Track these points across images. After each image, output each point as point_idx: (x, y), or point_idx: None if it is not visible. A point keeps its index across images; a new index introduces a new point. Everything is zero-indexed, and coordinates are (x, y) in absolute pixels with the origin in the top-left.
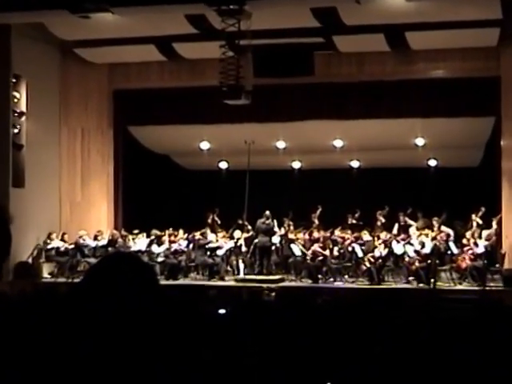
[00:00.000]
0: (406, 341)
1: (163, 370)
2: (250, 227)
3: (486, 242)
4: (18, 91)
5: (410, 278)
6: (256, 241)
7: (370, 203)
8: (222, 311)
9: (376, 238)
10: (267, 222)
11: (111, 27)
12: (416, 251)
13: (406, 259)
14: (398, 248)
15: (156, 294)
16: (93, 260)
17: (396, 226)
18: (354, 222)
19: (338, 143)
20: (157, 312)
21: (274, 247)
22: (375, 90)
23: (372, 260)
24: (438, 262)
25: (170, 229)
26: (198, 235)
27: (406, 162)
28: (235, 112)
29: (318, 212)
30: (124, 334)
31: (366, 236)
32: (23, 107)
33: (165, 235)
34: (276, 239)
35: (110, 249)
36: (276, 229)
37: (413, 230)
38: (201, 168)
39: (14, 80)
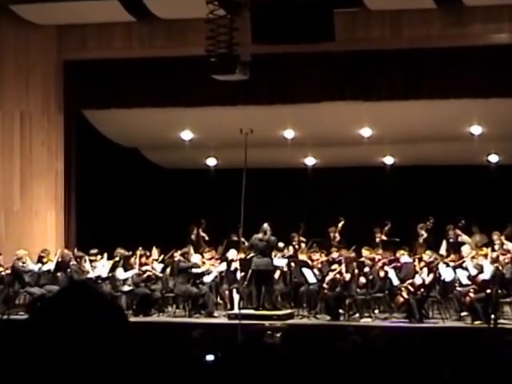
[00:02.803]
0: None
1: None
2: (247, 245)
3: None
4: None
5: (463, 314)
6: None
7: (409, 213)
8: (209, 358)
9: (417, 260)
10: (265, 237)
11: None
12: (471, 277)
13: (458, 288)
14: (446, 273)
15: (125, 343)
16: (36, 290)
17: (444, 243)
18: (387, 237)
19: (366, 132)
20: (126, 366)
21: (279, 272)
22: (416, 60)
23: (411, 289)
24: (500, 291)
25: (141, 248)
26: (177, 256)
27: (457, 157)
28: (228, 91)
29: (340, 225)
30: None
31: (403, 257)
32: None
33: (133, 256)
34: (282, 261)
35: (59, 274)
36: (280, 246)
37: (467, 249)
38: (181, 166)
39: None
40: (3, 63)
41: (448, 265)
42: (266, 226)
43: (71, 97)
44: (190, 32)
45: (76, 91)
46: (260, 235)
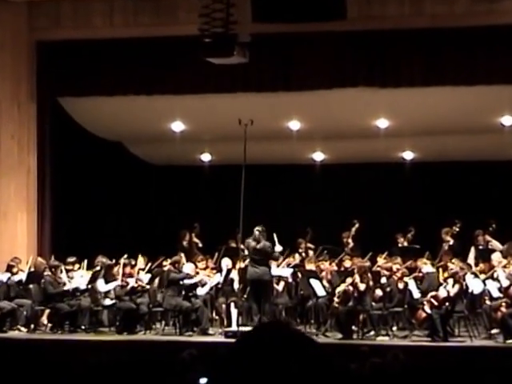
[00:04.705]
0: None
1: None
2: (247, 252)
3: None
4: None
5: (494, 331)
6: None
7: (432, 215)
8: (203, 382)
9: (441, 270)
10: (259, 246)
11: None
12: (503, 289)
13: (488, 302)
14: (474, 285)
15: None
16: (5, 304)
17: (472, 250)
18: (407, 244)
19: (383, 123)
20: None
21: (283, 283)
22: (439, 42)
23: (435, 303)
24: None
25: (125, 255)
26: (167, 265)
27: (486, 152)
28: (224, 76)
29: (353, 229)
30: None
31: (425, 266)
32: None
33: (117, 265)
34: (287, 271)
35: (31, 286)
36: (278, 249)
37: (498, 258)
38: (172, 162)
39: None
40: None
41: (476, 275)
42: (256, 232)
43: (45, 82)
44: (181, 8)
45: (50, 76)
46: (252, 241)
